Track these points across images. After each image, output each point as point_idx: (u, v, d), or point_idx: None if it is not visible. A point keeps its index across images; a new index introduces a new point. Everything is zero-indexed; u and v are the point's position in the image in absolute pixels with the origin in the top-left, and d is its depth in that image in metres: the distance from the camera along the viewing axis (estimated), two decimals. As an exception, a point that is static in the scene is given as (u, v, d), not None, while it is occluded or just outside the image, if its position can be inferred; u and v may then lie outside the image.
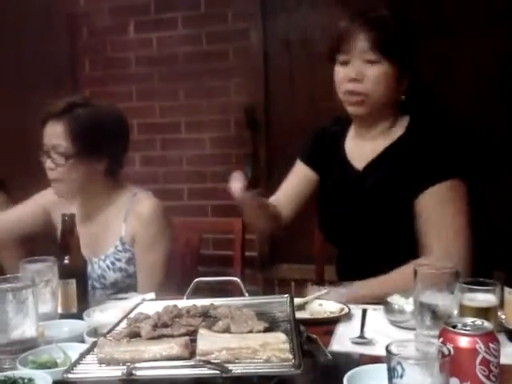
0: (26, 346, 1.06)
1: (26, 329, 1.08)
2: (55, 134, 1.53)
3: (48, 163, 1.56)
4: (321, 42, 2.58)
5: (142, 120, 2.82)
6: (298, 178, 1.64)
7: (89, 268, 1.51)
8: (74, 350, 1.04)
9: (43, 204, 1.75)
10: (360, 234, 1.45)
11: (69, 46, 2.98)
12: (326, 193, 1.57)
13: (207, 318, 0.98)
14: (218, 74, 2.72)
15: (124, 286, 1.63)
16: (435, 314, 0.98)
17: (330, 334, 1.11)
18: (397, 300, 1.16)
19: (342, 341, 1.07)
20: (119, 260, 1.62)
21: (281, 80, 2.66)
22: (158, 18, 2.82)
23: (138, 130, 2.78)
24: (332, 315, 1.18)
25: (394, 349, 0.72)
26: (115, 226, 1.62)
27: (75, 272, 1.30)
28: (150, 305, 1.13)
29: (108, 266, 1.62)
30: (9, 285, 1.09)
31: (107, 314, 1.31)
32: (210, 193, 2.72)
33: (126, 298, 1.47)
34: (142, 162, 2.84)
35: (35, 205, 1.76)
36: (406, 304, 1.13)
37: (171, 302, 1.08)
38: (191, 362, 0.80)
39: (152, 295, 1.45)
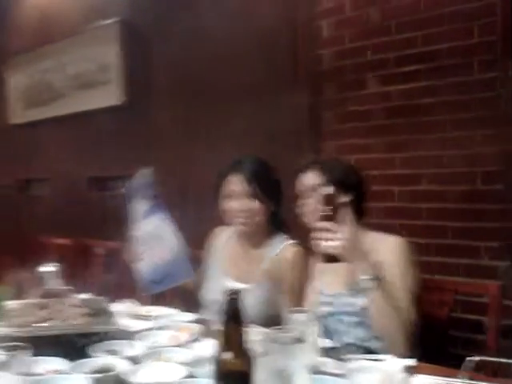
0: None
1: (298, 384, 1.12)
2: (316, 179, 1.83)
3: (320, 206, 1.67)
4: None
5: (380, 172, 2.81)
6: None
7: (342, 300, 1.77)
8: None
9: None
10: None
11: (310, 100, 3.17)
12: None
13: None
14: (462, 124, 2.57)
15: None
16: None
17: None
18: None
19: None
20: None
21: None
22: (398, 71, 2.81)
23: (376, 182, 2.77)
24: None
25: None
26: None
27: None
28: (424, 381, 1.06)
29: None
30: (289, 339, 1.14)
31: (369, 377, 1.28)
32: (458, 249, 2.53)
33: (382, 360, 1.43)
34: (381, 214, 2.81)
35: None
36: None
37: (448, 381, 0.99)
38: None
39: (412, 361, 1.39)
